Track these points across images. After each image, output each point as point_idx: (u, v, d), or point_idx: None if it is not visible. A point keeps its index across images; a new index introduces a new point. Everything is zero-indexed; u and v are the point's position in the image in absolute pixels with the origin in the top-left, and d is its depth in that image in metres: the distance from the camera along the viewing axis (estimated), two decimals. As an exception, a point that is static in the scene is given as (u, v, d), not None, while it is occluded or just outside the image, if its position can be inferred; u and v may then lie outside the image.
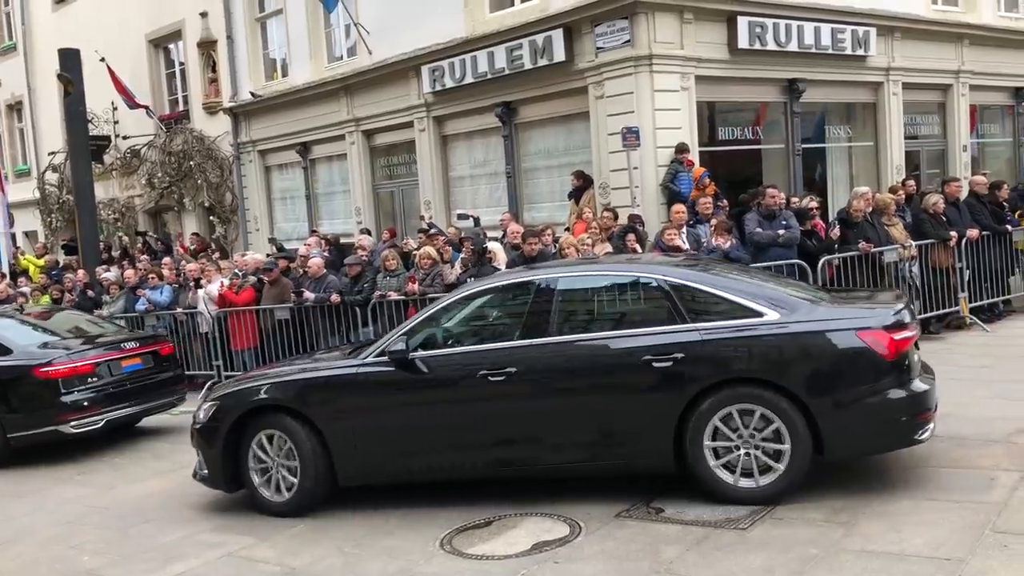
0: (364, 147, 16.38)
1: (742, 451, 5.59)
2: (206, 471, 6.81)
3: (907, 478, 5.87)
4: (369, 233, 14.80)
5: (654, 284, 6.05)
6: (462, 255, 10.83)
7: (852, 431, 5.54)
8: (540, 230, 10.40)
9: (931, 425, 5.69)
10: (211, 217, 20.18)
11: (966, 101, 15.93)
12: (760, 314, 5.69)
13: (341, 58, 16.68)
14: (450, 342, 6.44)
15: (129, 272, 14.33)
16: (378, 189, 16.56)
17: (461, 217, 13.48)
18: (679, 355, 5.65)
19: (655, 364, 5.69)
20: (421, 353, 6.23)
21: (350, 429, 6.32)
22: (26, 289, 15.90)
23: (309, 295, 11.25)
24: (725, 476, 5.65)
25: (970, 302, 11.07)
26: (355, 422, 6.32)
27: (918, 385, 5.63)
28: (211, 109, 19.80)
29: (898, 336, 5.53)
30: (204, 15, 19.29)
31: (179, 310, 12.57)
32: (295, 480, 6.41)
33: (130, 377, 9.69)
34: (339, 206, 17.53)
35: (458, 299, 6.71)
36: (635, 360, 5.75)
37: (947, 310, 10.96)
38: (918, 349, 5.97)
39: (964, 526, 5.00)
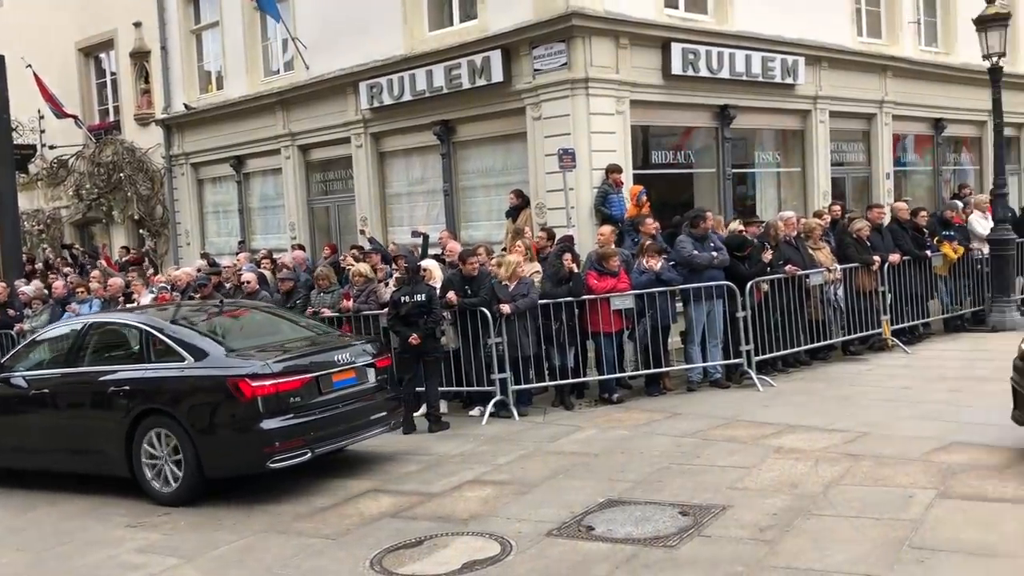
0: (300, 162, 16.22)
1: (163, 464, 7.18)
2: None
3: (828, 496, 6.04)
4: (302, 248, 14.65)
5: (143, 330, 7.68)
6: (396, 273, 10.79)
7: (219, 456, 7.06)
8: (474, 249, 10.41)
9: (291, 454, 6.93)
10: (141, 230, 19.76)
11: (889, 130, 16.48)
12: (183, 359, 7.27)
13: (278, 72, 16.50)
14: (32, 369, 8.27)
15: (58, 284, 13.93)
16: (313, 204, 16.41)
17: (415, 234, 13.46)
18: (127, 387, 7.39)
19: (117, 394, 7.42)
20: (8, 374, 8.25)
21: None
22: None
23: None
24: (153, 481, 7.26)
25: (892, 325, 11.43)
26: None
27: (270, 424, 6.87)
28: (143, 120, 19.42)
29: (262, 383, 6.84)
30: (138, 25, 18.95)
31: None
32: None
33: None
34: (273, 221, 17.31)
35: (36, 339, 8.85)
36: (106, 390, 7.50)
37: (870, 332, 11.30)
38: (328, 391, 7.23)
39: (884, 542, 5.17)
